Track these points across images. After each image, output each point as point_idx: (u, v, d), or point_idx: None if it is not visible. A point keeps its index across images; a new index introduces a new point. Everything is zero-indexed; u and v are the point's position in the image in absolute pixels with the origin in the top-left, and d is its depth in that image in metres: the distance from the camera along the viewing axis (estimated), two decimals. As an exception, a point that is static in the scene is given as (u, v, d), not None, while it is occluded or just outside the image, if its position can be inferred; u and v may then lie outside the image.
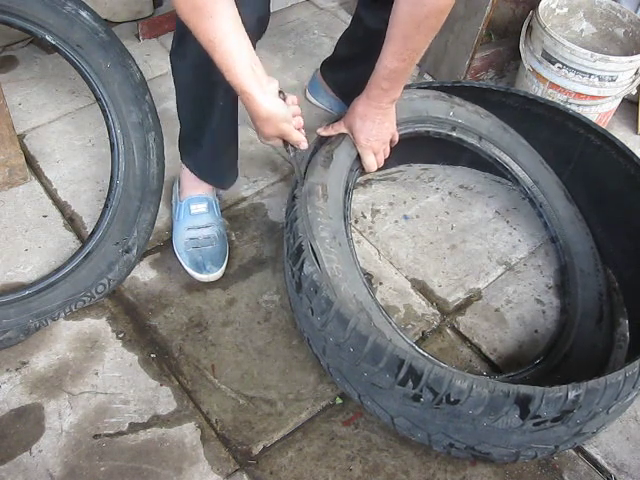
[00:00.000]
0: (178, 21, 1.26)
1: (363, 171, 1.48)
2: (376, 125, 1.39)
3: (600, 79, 1.80)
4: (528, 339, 1.51)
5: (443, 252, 1.66)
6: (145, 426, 1.30)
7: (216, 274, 1.53)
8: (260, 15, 1.27)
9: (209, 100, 1.39)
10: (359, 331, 1.12)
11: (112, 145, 1.47)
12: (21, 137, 1.79)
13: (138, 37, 2.13)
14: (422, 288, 1.58)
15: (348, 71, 1.75)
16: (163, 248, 1.60)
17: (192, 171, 1.57)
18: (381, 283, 1.58)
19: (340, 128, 1.44)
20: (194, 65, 1.32)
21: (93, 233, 1.46)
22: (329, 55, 1.93)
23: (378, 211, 1.74)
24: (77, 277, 1.43)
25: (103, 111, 1.46)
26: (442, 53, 2.04)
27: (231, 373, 1.39)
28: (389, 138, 1.44)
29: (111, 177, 1.48)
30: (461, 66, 2.00)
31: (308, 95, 2.01)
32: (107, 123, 1.46)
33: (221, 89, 1.34)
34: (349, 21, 1.83)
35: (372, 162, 1.44)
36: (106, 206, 1.47)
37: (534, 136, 1.69)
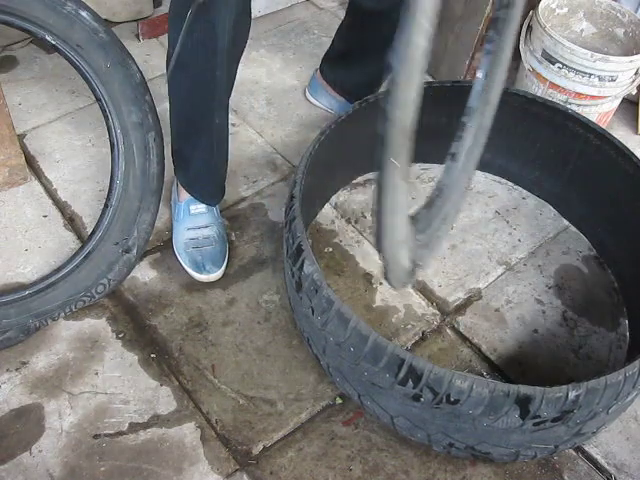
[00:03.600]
0: (171, 37, 1.25)
1: None
2: None
3: (600, 79, 1.80)
4: (528, 339, 1.51)
5: (443, 252, 1.66)
6: (145, 426, 1.30)
7: (216, 274, 1.53)
8: (236, 17, 1.21)
9: (206, 116, 1.38)
10: (359, 330, 1.13)
11: (112, 145, 1.47)
12: (21, 137, 1.79)
13: (138, 37, 2.13)
14: (422, 288, 1.58)
15: (347, 68, 1.75)
16: (163, 248, 1.60)
17: (182, 185, 1.58)
18: (381, 283, 1.58)
19: None
20: (195, 82, 1.31)
21: (93, 233, 1.46)
22: (326, 51, 1.93)
23: (378, 211, 1.74)
24: (77, 277, 1.43)
25: (103, 111, 1.46)
26: (442, 53, 2.04)
27: (231, 373, 1.39)
28: None
29: (111, 177, 1.47)
30: (461, 66, 2.00)
31: (308, 95, 2.01)
32: (107, 123, 1.46)
33: (220, 106, 1.33)
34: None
35: None
36: (106, 206, 1.47)
37: (534, 136, 1.69)
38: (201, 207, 1.58)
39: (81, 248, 1.46)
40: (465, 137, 1.27)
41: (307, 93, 2.02)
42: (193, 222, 1.57)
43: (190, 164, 1.53)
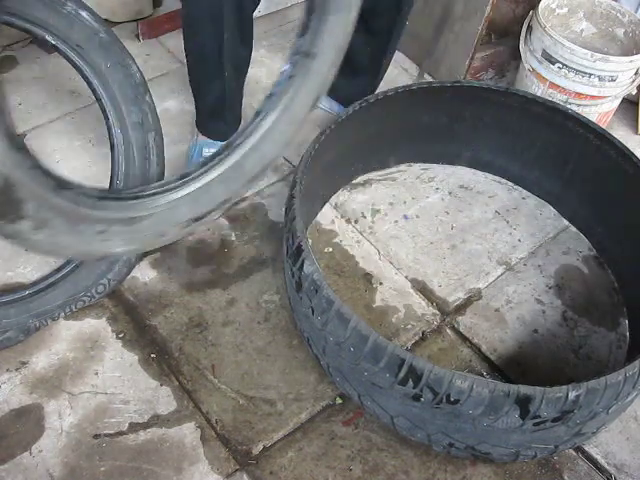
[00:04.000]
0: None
1: None
2: None
3: (600, 79, 1.80)
4: (528, 339, 1.51)
5: (443, 252, 1.66)
6: (145, 426, 1.30)
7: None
8: None
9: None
10: (360, 330, 1.12)
11: (112, 145, 1.47)
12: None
13: (138, 37, 2.13)
14: (422, 288, 1.58)
15: (345, 79, 1.74)
16: (163, 248, 1.59)
17: (196, 124, 1.68)
18: (381, 283, 1.58)
19: None
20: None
21: (93, 233, 1.46)
22: None
23: (378, 211, 1.74)
24: (77, 277, 1.43)
25: (103, 111, 1.46)
26: (442, 53, 2.04)
27: (231, 373, 1.39)
28: None
29: (111, 177, 1.47)
30: (461, 66, 2.00)
31: (308, 95, 2.01)
32: (107, 123, 1.46)
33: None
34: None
35: None
36: (106, 206, 1.47)
37: (534, 136, 1.69)
38: (213, 151, 1.65)
39: (81, 248, 1.46)
40: None
41: (307, 93, 2.01)
42: None
43: (198, 102, 1.64)
